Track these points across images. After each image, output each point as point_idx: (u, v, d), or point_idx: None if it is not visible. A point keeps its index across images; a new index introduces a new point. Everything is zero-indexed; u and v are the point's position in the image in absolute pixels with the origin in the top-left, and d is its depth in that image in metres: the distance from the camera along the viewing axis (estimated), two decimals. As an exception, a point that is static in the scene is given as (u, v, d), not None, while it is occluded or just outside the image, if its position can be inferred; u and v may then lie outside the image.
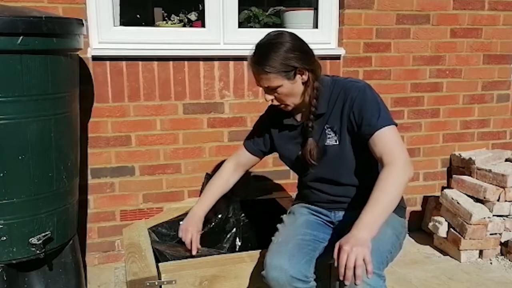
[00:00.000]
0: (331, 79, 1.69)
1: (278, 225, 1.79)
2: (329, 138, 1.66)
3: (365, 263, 1.30)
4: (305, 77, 1.59)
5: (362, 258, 1.30)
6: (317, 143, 1.65)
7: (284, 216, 1.85)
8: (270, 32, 1.63)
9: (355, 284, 1.32)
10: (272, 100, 1.63)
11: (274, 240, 1.68)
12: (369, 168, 1.66)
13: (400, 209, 1.66)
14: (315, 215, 1.79)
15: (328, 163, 1.67)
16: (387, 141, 1.53)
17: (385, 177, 1.46)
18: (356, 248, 1.31)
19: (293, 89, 1.59)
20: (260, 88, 1.56)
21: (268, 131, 1.84)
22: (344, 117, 1.61)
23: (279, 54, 1.54)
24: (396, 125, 1.57)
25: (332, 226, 1.77)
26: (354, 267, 1.30)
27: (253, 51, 1.60)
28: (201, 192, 2.51)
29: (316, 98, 1.62)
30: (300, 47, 1.59)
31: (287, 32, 1.62)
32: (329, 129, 1.65)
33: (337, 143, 1.65)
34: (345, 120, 1.61)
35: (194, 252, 1.80)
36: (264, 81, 1.57)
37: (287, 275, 1.51)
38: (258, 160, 1.94)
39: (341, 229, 1.74)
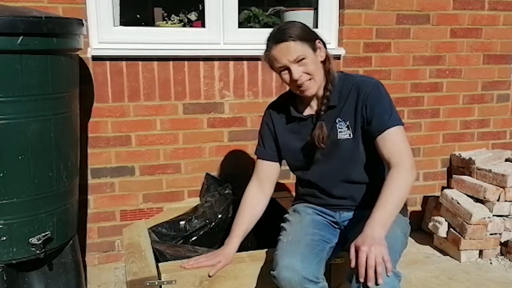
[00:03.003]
0: (341, 74, 1.72)
1: (283, 224, 1.78)
2: (340, 132, 1.66)
3: (384, 261, 1.31)
4: (323, 55, 1.62)
5: (381, 256, 1.31)
6: (328, 135, 1.65)
7: (288, 215, 1.83)
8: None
9: (377, 284, 1.31)
10: (300, 77, 1.57)
11: (283, 239, 1.66)
12: (376, 167, 1.67)
13: (403, 208, 1.67)
14: (320, 215, 1.78)
15: (340, 157, 1.67)
16: (396, 141, 1.56)
17: (395, 178, 1.50)
18: (374, 248, 1.31)
19: (317, 63, 1.60)
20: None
21: (272, 131, 1.82)
22: (358, 111, 1.62)
23: (298, 26, 1.60)
24: (403, 125, 1.60)
25: (336, 226, 1.77)
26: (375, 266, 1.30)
27: (270, 37, 1.61)
28: (201, 192, 2.52)
29: (331, 83, 1.63)
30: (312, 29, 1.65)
31: None
32: (341, 123, 1.66)
33: (351, 137, 1.65)
34: (359, 115, 1.62)
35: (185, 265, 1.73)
36: (292, 51, 1.55)
37: (299, 276, 1.50)
38: (278, 167, 1.85)
39: (346, 230, 1.74)
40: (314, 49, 1.60)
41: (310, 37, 1.60)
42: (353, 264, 1.34)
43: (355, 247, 1.35)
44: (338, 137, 1.66)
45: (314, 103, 1.71)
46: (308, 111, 1.72)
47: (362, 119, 1.62)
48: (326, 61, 1.65)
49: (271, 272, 1.57)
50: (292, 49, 1.55)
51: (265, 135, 1.84)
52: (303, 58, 1.56)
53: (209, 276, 1.71)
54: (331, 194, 1.74)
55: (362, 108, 1.61)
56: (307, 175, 1.79)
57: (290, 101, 1.76)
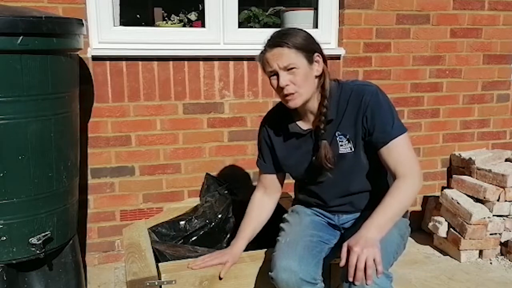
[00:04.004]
0: (336, 84, 1.64)
1: (282, 225, 1.77)
2: (341, 146, 1.61)
3: (375, 264, 1.30)
4: (319, 69, 1.56)
5: (373, 259, 1.30)
6: (333, 153, 1.60)
7: (287, 215, 1.83)
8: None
9: (366, 284, 1.31)
10: (286, 86, 1.52)
11: (282, 240, 1.66)
12: (377, 173, 1.65)
13: None
14: (318, 215, 1.78)
15: (341, 171, 1.63)
16: (401, 151, 1.53)
17: (400, 186, 1.49)
18: (366, 249, 1.30)
19: (308, 76, 1.53)
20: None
21: (270, 146, 1.78)
22: (358, 123, 1.57)
23: (299, 35, 1.54)
24: (407, 130, 1.57)
25: (335, 228, 1.77)
26: (365, 268, 1.29)
27: (268, 39, 1.56)
28: (201, 192, 2.52)
29: (327, 99, 1.57)
30: (316, 40, 1.60)
31: None
32: (341, 136, 1.61)
33: (352, 150, 1.61)
34: (359, 126, 1.58)
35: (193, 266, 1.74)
36: (284, 58, 1.50)
37: (297, 278, 1.50)
38: (282, 176, 1.85)
39: (346, 231, 1.74)
40: (310, 61, 1.54)
41: (309, 48, 1.53)
42: (342, 263, 1.33)
43: (348, 246, 1.34)
44: (340, 151, 1.62)
45: (310, 117, 1.65)
46: (306, 126, 1.67)
47: (363, 130, 1.58)
48: (322, 76, 1.59)
49: (269, 273, 1.57)
50: (285, 56, 1.50)
51: (264, 151, 1.81)
52: (294, 68, 1.51)
53: (220, 278, 1.71)
54: (330, 204, 1.73)
55: (362, 120, 1.56)
56: (308, 185, 1.77)
57: (286, 115, 1.70)
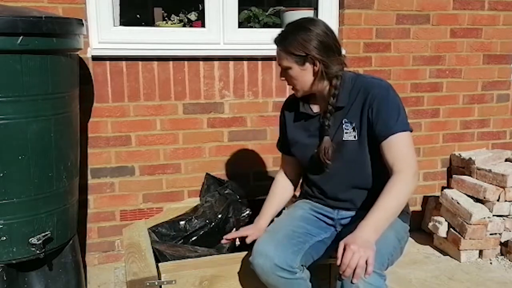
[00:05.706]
0: (354, 75, 1.69)
1: (275, 218, 1.83)
2: (346, 133, 1.65)
3: (366, 265, 1.30)
4: (316, 69, 1.60)
5: (365, 260, 1.30)
6: (333, 138, 1.65)
7: (284, 209, 1.88)
8: (306, 17, 1.69)
9: (352, 283, 1.33)
10: (284, 80, 1.68)
11: (267, 229, 1.72)
12: (380, 173, 1.65)
13: (404, 214, 1.67)
14: (314, 211, 1.79)
15: (344, 159, 1.66)
16: (400, 148, 1.53)
17: (395, 184, 1.48)
18: (363, 250, 1.31)
19: (301, 76, 1.62)
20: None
21: (284, 125, 1.86)
22: (364, 114, 1.61)
23: (297, 38, 1.58)
24: (411, 130, 1.58)
25: (331, 222, 1.77)
26: (355, 267, 1.30)
27: (278, 34, 1.66)
28: (201, 192, 2.52)
29: (334, 96, 1.62)
30: (323, 39, 1.58)
31: (321, 21, 1.64)
32: (348, 124, 1.64)
33: (356, 139, 1.64)
34: (364, 117, 1.61)
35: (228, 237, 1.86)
36: (280, 59, 1.63)
37: (271, 263, 1.54)
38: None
39: (343, 229, 1.74)
40: (302, 63, 1.59)
41: (300, 52, 1.57)
42: (338, 263, 1.34)
43: (344, 244, 1.35)
44: (344, 138, 1.65)
45: (322, 103, 1.70)
46: (316, 109, 1.73)
47: (368, 122, 1.60)
48: (318, 74, 1.60)
49: (249, 258, 1.61)
50: (281, 57, 1.62)
51: (281, 129, 1.89)
52: (288, 68, 1.62)
53: (247, 244, 1.77)
54: (332, 197, 1.74)
55: (368, 111, 1.59)
56: (312, 174, 1.79)
57: (303, 98, 1.75)
